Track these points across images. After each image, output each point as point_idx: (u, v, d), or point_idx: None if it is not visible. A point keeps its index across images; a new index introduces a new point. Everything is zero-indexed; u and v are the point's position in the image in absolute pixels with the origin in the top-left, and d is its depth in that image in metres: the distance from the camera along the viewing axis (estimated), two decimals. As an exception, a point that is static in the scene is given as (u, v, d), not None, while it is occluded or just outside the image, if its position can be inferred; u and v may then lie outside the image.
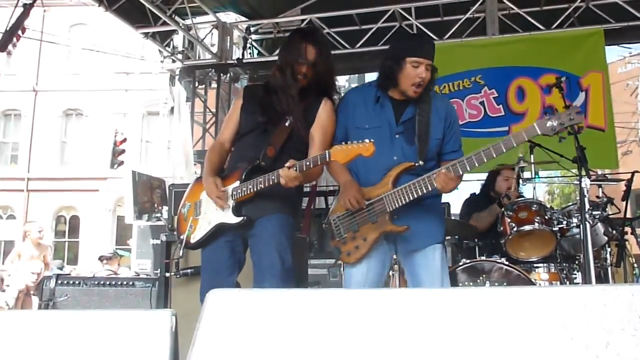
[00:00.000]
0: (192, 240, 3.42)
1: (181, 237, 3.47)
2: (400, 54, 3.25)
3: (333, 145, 3.17)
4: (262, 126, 3.39)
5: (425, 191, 3.10)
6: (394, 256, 3.46)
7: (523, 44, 7.59)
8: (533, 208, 4.64)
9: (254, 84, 3.73)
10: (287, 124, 3.35)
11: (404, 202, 3.14)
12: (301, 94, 3.38)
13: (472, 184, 6.60)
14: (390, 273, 4.54)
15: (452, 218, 5.88)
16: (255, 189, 3.20)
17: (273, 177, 3.12)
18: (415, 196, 3.11)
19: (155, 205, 8.78)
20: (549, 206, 4.83)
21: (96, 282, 5.33)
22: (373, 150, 2.84)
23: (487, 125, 7.50)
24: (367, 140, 2.84)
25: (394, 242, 3.34)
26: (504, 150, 2.96)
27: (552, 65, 7.32)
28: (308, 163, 3.02)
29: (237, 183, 3.29)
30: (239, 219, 3.25)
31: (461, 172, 3.03)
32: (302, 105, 3.36)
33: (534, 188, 4.87)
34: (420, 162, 3.13)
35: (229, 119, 3.59)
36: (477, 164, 3.01)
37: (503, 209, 4.76)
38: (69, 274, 8.67)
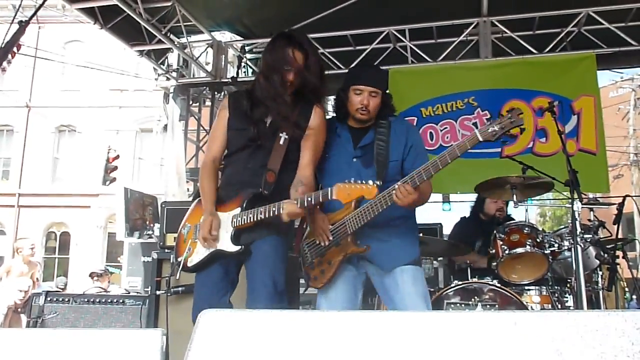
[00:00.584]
0: (190, 264, 3.40)
1: (179, 259, 3.45)
2: (346, 83, 3.40)
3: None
4: (254, 143, 3.34)
5: (383, 207, 3.10)
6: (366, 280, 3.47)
7: (516, 67, 7.64)
8: (525, 231, 4.66)
9: (238, 91, 3.65)
10: (281, 142, 3.30)
11: (364, 222, 3.17)
12: (291, 102, 3.34)
13: (464, 204, 6.62)
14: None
15: (444, 239, 5.89)
16: (255, 219, 3.18)
17: (274, 209, 3.10)
18: (375, 213, 3.13)
19: (147, 222, 8.72)
20: (540, 229, 4.84)
21: (86, 300, 5.28)
22: (375, 193, 2.85)
23: (480, 146, 7.49)
24: (370, 182, 2.86)
25: (363, 266, 3.36)
26: (449, 161, 2.99)
27: (544, 89, 7.37)
28: (310, 199, 2.99)
29: (237, 210, 3.26)
30: (237, 248, 3.24)
31: (417, 183, 3.02)
32: (293, 115, 3.31)
33: (526, 210, 4.89)
34: (378, 183, 3.13)
35: (216, 133, 3.52)
36: (432, 172, 3.01)
37: (495, 232, 4.77)
38: (59, 291, 8.59)
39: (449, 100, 7.70)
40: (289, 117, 3.29)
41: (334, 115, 3.53)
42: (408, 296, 3.23)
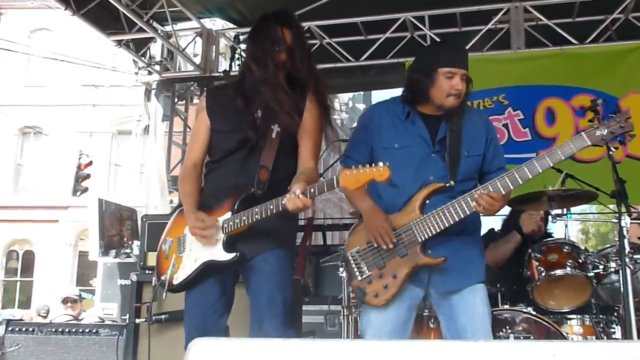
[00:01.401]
0: (176, 282, 3.41)
1: (162, 277, 3.47)
2: (432, 65, 3.35)
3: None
4: (246, 145, 3.39)
5: (462, 215, 3.13)
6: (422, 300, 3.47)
7: (553, 59, 7.66)
8: (564, 250, 4.65)
9: (218, 87, 3.71)
10: (274, 135, 3.36)
11: (438, 229, 3.17)
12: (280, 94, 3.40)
13: (491, 219, 6.62)
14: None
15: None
16: (250, 221, 3.21)
17: (272, 207, 3.13)
18: (452, 222, 3.15)
19: (125, 239, 8.74)
20: (583, 248, 4.83)
21: (53, 330, 5.28)
22: (388, 176, 2.87)
23: (511, 150, 7.53)
24: (380, 164, 2.88)
25: (424, 283, 3.33)
26: (550, 165, 3.08)
27: (586, 85, 7.37)
28: (313, 190, 3.03)
29: (228, 214, 3.30)
30: (231, 255, 3.26)
31: (503, 191, 3.08)
32: (289, 102, 3.37)
33: (566, 226, 4.88)
34: (452, 183, 3.20)
35: (196, 135, 3.59)
36: (526, 177, 3.09)
37: (530, 250, 4.77)
38: (21, 319, 8.60)
39: (475, 99, 7.70)
40: (284, 102, 3.34)
41: (401, 97, 3.50)
42: (480, 319, 3.25)
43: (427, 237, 3.19)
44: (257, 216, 3.18)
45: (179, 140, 9.82)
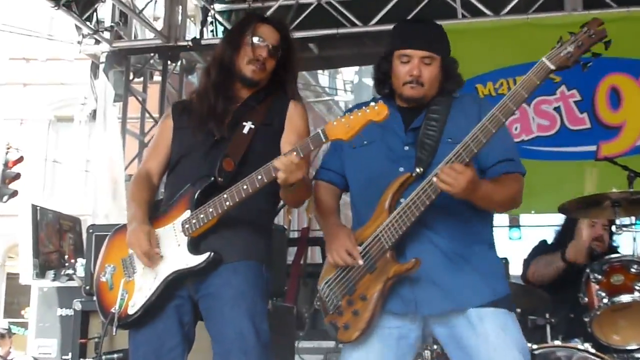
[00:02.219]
0: (132, 310, 3.40)
1: (112, 310, 3.44)
2: (388, 48, 3.53)
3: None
4: (210, 139, 3.52)
5: (428, 200, 3.17)
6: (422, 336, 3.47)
7: (619, 24, 7.59)
8: (633, 270, 4.65)
9: (186, 100, 3.91)
10: (245, 131, 3.50)
11: (406, 227, 3.21)
12: (257, 94, 3.64)
13: (543, 231, 6.66)
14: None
15: (513, 281, 5.91)
16: (219, 211, 3.27)
17: (246, 186, 3.20)
18: (421, 209, 3.18)
19: (66, 256, 8.72)
20: (656, 267, 4.83)
21: (-26, 374, 5.32)
22: (386, 114, 2.98)
23: (565, 141, 7.57)
24: (373, 102, 2.99)
25: (412, 305, 3.33)
26: (514, 109, 3.12)
27: (663, 58, 7.41)
28: (296, 152, 3.10)
29: (186, 213, 3.36)
30: (204, 257, 3.30)
31: (466, 158, 3.10)
32: (262, 109, 3.58)
33: (634, 239, 4.89)
34: (418, 170, 3.25)
35: (156, 144, 3.76)
36: (489, 132, 3.11)
37: (588, 270, 4.78)
38: None
39: (519, 74, 7.69)
40: (255, 107, 3.59)
41: (378, 91, 3.65)
42: (500, 349, 3.23)
43: (394, 240, 3.23)
44: (227, 202, 3.24)
45: (136, 128, 9.83)
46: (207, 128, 3.52)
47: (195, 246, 3.32)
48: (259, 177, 3.18)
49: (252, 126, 3.52)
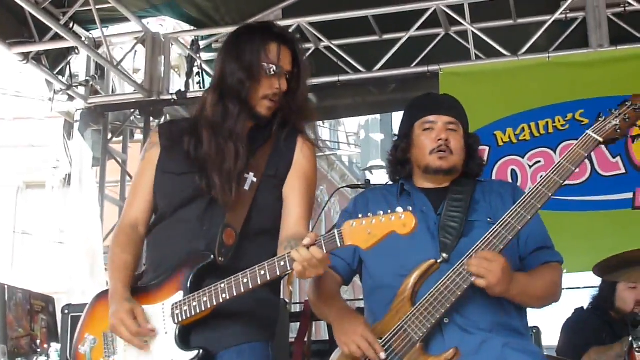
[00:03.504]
0: None
1: None
2: (406, 124, 3.62)
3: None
4: (204, 194, 3.39)
5: (460, 291, 3.19)
6: None
7: (650, 60, 7.71)
8: (682, 336, 4.63)
9: (174, 121, 3.77)
10: (247, 187, 3.38)
11: (436, 318, 3.21)
12: (262, 131, 3.48)
13: (577, 294, 6.60)
14: None
15: (547, 354, 5.85)
16: (213, 303, 3.17)
17: (246, 280, 3.10)
18: (452, 301, 3.19)
19: (38, 341, 8.68)
20: None
21: None
22: (414, 226, 2.87)
23: (597, 190, 7.54)
24: (400, 209, 2.89)
25: None
26: (561, 182, 3.24)
27: (701, 96, 7.42)
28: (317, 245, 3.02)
29: (178, 295, 3.27)
30: (192, 354, 3.21)
31: (501, 245, 3.17)
32: (264, 152, 3.44)
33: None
34: (443, 256, 3.30)
35: (140, 184, 3.61)
36: (531, 211, 3.20)
37: (631, 338, 4.75)
38: None
39: (541, 118, 7.75)
40: (256, 150, 3.43)
41: (391, 177, 3.74)
42: None
43: (424, 331, 3.23)
44: (224, 295, 3.14)
45: (115, 193, 9.83)
46: (204, 182, 3.38)
47: (184, 338, 3.23)
48: (262, 272, 3.07)
49: (255, 179, 3.40)
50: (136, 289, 3.40)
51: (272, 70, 3.41)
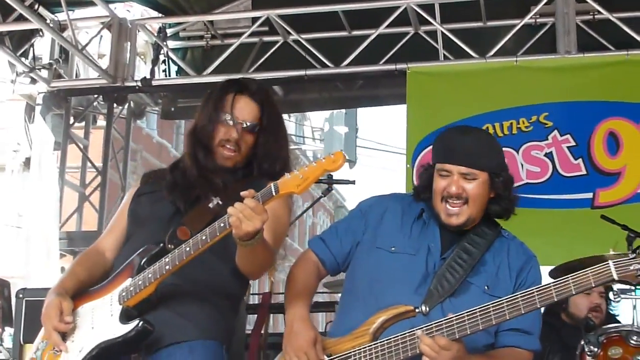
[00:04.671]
0: None
1: None
2: (432, 160, 3.58)
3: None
4: (171, 209, 3.51)
5: (413, 354, 3.17)
6: None
7: (616, 68, 7.78)
8: (632, 341, 4.64)
9: (158, 170, 3.87)
10: (211, 205, 3.44)
11: None
12: (234, 173, 3.58)
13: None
14: None
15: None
16: (157, 277, 3.20)
17: (188, 248, 3.14)
18: (406, 356, 3.19)
19: (-7, 326, 8.63)
20: (661, 339, 4.82)
21: None
22: (342, 162, 2.95)
23: (558, 189, 7.60)
24: (335, 150, 2.93)
25: None
26: (538, 306, 3.13)
27: (664, 102, 7.49)
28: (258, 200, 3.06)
29: (127, 282, 3.31)
30: (131, 325, 3.22)
31: (457, 334, 3.11)
32: (236, 188, 3.40)
33: (634, 307, 4.88)
34: (422, 309, 3.27)
35: (117, 220, 3.73)
36: (486, 323, 3.13)
37: (583, 342, 4.77)
38: None
39: (506, 119, 7.80)
40: (228, 185, 3.50)
41: (414, 193, 3.68)
42: None
43: None
44: (167, 267, 3.17)
45: (76, 179, 9.75)
46: (172, 197, 3.51)
47: (128, 315, 3.25)
48: (204, 237, 3.12)
49: (220, 202, 3.45)
50: (93, 289, 3.46)
51: (226, 119, 3.54)
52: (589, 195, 7.49)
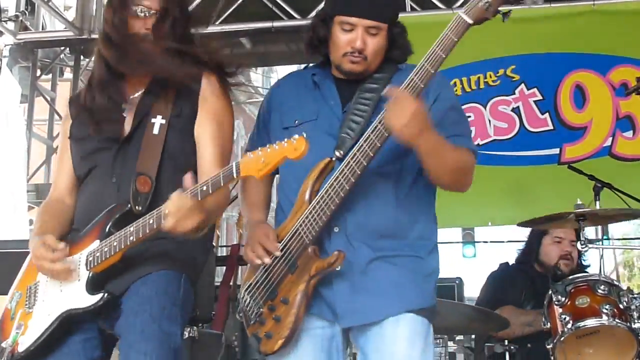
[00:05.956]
0: (21, 348, 3.29)
1: (2, 345, 3.37)
2: (328, 9, 3.44)
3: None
4: (113, 144, 3.35)
5: (349, 185, 3.13)
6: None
7: (584, 18, 7.78)
8: (600, 291, 4.66)
9: (81, 91, 3.64)
10: (155, 131, 3.32)
11: (329, 214, 3.16)
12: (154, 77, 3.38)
13: (504, 247, 6.67)
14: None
15: (467, 304, 5.90)
16: (122, 246, 3.13)
17: (152, 221, 3.06)
18: (342, 196, 3.13)
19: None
20: (625, 287, 4.85)
21: None
22: (304, 150, 2.84)
23: (525, 145, 7.61)
24: (295, 136, 2.85)
25: (332, 314, 3.30)
26: (432, 71, 3.13)
27: (630, 54, 7.49)
28: (205, 188, 2.97)
29: (95, 244, 3.23)
30: (95, 298, 3.17)
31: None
32: (169, 94, 3.34)
33: (601, 257, 4.91)
34: (338, 154, 3.22)
35: (60, 159, 3.58)
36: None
37: (551, 292, 4.80)
38: None
39: (473, 73, 7.78)
40: (159, 94, 3.34)
41: (307, 63, 3.62)
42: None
43: (314, 233, 3.18)
44: (132, 237, 3.10)
45: (43, 132, 9.68)
46: (104, 133, 3.34)
47: (94, 284, 3.18)
48: (151, 222, 3.03)
49: (163, 121, 3.32)
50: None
51: (137, 12, 3.34)
52: (556, 151, 7.52)
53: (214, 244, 5.85)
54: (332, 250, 3.16)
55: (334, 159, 3.23)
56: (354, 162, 3.11)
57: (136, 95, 3.41)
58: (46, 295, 3.32)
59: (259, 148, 2.89)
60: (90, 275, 3.20)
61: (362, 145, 3.11)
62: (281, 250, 3.20)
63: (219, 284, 6.37)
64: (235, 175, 2.92)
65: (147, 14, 3.34)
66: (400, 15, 3.35)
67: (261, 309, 3.29)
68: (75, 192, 3.51)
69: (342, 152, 3.22)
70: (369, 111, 3.30)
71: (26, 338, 3.30)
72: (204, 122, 3.36)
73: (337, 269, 3.15)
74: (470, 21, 3.07)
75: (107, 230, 3.21)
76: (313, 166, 3.23)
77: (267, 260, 3.18)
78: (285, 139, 2.85)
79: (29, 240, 3.39)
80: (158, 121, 3.31)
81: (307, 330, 3.27)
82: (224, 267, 6.67)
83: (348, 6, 3.34)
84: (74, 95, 3.69)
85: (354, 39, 3.30)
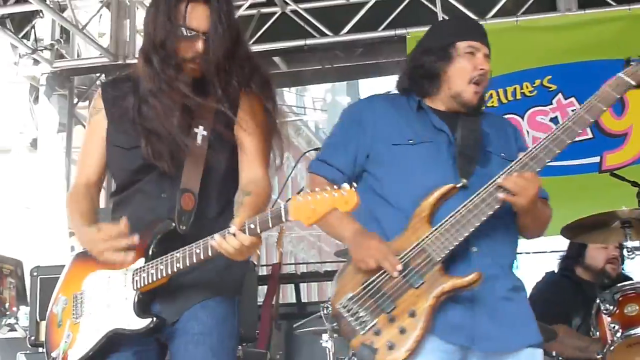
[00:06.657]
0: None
1: (53, 355, 3.36)
2: (446, 39, 3.42)
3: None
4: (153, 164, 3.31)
5: (488, 211, 3.16)
6: None
7: (618, 24, 7.74)
8: (650, 298, 4.63)
9: (116, 82, 3.63)
10: (199, 141, 3.27)
11: (460, 240, 3.16)
12: (200, 84, 3.30)
13: (545, 258, 6.61)
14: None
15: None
16: (169, 271, 3.12)
17: (199, 251, 3.04)
18: (476, 224, 3.15)
19: (7, 304, 8.63)
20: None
21: None
22: (356, 203, 2.79)
23: (565, 155, 7.38)
24: (346, 186, 2.80)
25: (466, 337, 3.25)
26: (590, 120, 3.26)
27: (670, 59, 7.43)
28: (253, 226, 2.92)
29: (140, 261, 3.21)
30: (145, 322, 3.16)
31: (537, 167, 3.16)
32: (209, 102, 3.28)
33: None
34: (463, 181, 3.23)
35: (89, 146, 3.52)
36: (562, 144, 3.23)
37: (599, 300, 4.75)
38: None
39: (509, 84, 7.75)
40: (199, 102, 3.27)
41: (401, 87, 3.58)
42: None
43: (446, 252, 3.17)
44: (178, 264, 3.08)
45: (82, 158, 9.74)
46: (145, 150, 3.27)
47: (142, 305, 3.18)
48: (198, 251, 3.03)
49: (205, 133, 3.28)
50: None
51: (183, 32, 3.24)
52: (596, 159, 7.48)
53: (254, 262, 5.86)
54: (469, 270, 3.16)
55: (459, 185, 3.25)
56: (486, 194, 3.17)
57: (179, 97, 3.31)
58: (93, 308, 3.30)
59: (307, 192, 2.83)
60: (138, 296, 3.19)
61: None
62: (401, 264, 3.19)
63: (260, 303, 6.38)
64: (284, 218, 2.87)
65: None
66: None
67: (375, 320, 3.21)
68: (100, 184, 3.51)
69: (465, 180, 3.25)
70: (475, 144, 3.36)
71: (74, 351, 3.29)
72: (245, 121, 3.30)
73: (473, 289, 3.18)
74: (633, 82, 3.22)
75: (150, 250, 3.19)
76: (430, 186, 3.24)
77: (397, 273, 3.16)
78: (334, 188, 2.79)
79: (76, 228, 3.37)
80: (200, 132, 3.27)
81: (432, 351, 3.21)
82: (265, 287, 6.69)
83: (471, 32, 3.45)
84: (107, 85, 3.62)
85: (479, 62, 3.35)
